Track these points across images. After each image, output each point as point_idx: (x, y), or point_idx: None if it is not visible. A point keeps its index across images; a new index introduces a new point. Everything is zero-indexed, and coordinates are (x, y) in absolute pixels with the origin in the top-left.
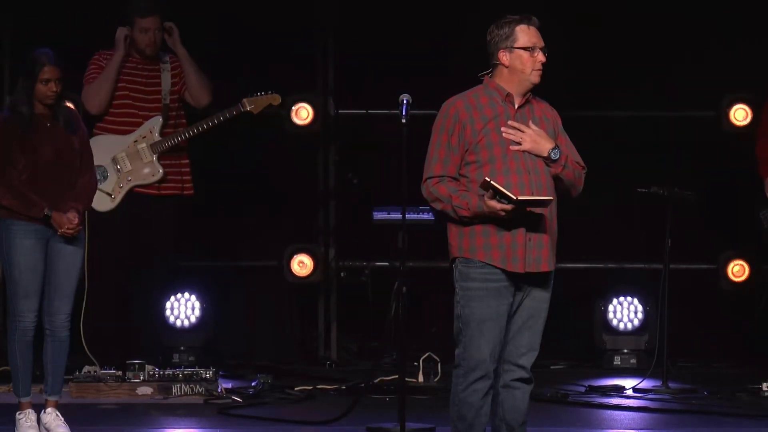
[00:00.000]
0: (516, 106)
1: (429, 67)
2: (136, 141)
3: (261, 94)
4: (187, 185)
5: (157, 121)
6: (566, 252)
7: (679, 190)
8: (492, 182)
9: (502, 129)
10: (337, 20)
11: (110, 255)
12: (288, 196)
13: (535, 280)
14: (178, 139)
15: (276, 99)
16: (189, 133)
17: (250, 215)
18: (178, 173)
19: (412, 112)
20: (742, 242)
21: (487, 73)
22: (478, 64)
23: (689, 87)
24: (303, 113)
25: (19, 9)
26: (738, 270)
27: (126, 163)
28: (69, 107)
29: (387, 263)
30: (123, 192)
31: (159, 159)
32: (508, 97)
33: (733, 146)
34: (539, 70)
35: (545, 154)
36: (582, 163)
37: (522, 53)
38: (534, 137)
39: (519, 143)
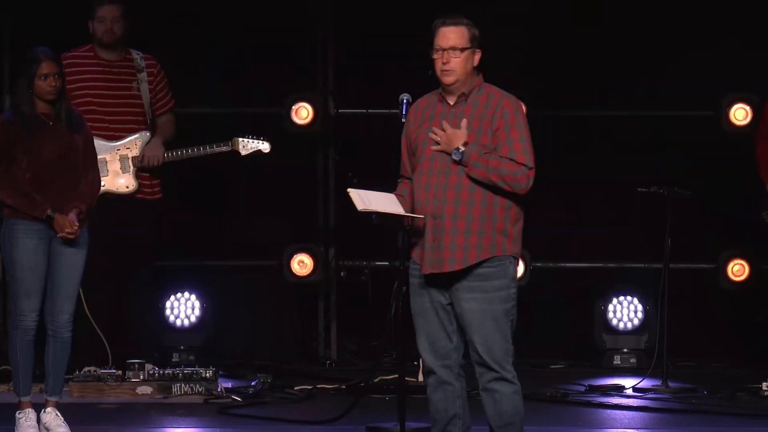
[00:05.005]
0: (451, 105)
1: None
2: (119, 150)
3: (252, 138)
4: (156, 189)
5: (144, 136)
6: (566, 252)
7: (679, 190)
8: (348, 190)
9: (433, 129)
10: (337, 20)
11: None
12: (288, 196)
13: (457, 279)
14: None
15: (265, 147)
16: (171, 155)
17: (250, 215)
18: (148, 178)
19: None
20: (742, 242)
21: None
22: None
23: (689, 87)
24: (303, 113)
25: (18, 9)
26: (738, 270)
27: (104, 168)
28: (72, 106)
29: (387, 263)
30: None
31: (137, 172)
32: (441, 96)
33: (732, 146)
34: (446, 70)
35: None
36: (521, 160)
37: (435, 56)
38: (448, 137)
39: (439, 144)
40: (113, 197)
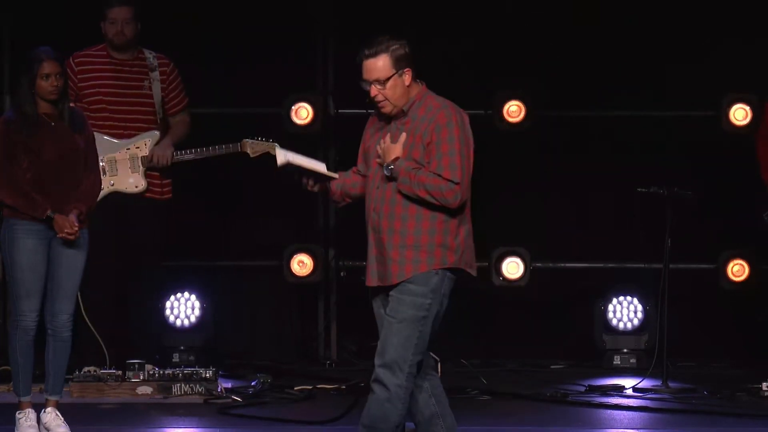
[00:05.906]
0: (393, 119)
1: (428, 67)
2: (128, 149)
3: (261, 140)
4: (166, 189)
5: (154, 136)
6: (566, 252)
7: (679, 190)
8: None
9: (380, 143)
10: (337, 20)
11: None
12: (288, 197)
13: (393, 290)
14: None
15: (274, 148)
16: (181, 155)
17: (251, 215)
18: (158, 177)
19: None
20: (742, 242)
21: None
22: (475, 63)
23: (689, 87)
24: (303, 113)
25: (18, 9)
26: (738, 270)
27: (114, 167)
28: (74, 107)
29: None
30: (102, 195)
31: (145, 172)
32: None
33: (732, 146)
34: (378, 103)
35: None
36: (446, 176)
37: (365, 87)
38: (384, 152)
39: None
40: (122, 196)
